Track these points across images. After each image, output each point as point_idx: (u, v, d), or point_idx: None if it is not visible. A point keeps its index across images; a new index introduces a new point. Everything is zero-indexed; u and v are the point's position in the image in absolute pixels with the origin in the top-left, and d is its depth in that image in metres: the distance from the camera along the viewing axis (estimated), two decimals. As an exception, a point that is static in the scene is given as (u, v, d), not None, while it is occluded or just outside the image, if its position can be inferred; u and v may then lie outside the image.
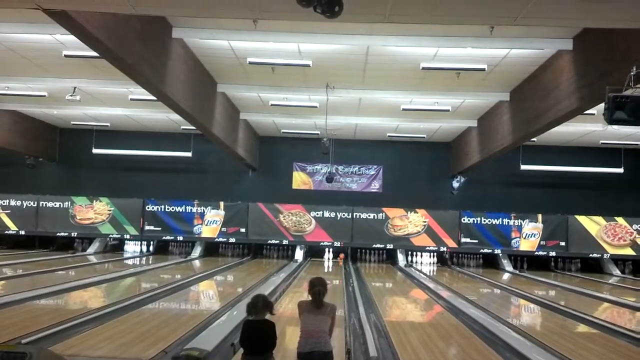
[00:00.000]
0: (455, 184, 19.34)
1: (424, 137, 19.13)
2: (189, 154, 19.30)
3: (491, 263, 19.11)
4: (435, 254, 19.56)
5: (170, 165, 19.98)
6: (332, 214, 19.40)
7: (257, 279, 13.17)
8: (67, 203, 19.37)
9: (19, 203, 19.39)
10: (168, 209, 19.38)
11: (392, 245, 19.24)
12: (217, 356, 5.57)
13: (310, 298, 4.87)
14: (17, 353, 2.38)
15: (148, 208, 19.36)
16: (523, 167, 18.78)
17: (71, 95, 13.03)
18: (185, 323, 7.41)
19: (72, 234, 19.29)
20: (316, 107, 14.72)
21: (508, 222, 19.10)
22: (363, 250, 19.78)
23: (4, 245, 19.33)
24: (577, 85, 9.87)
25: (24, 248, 18.89)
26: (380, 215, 19.35)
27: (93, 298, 10.13)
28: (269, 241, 19.32)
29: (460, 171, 18.89)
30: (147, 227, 19.29)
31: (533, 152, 18.59)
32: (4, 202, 19.39)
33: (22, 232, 19.31)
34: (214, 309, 8.92)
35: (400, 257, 18.96)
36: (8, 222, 19.30)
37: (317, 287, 5.03)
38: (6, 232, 19.29)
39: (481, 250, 19.20)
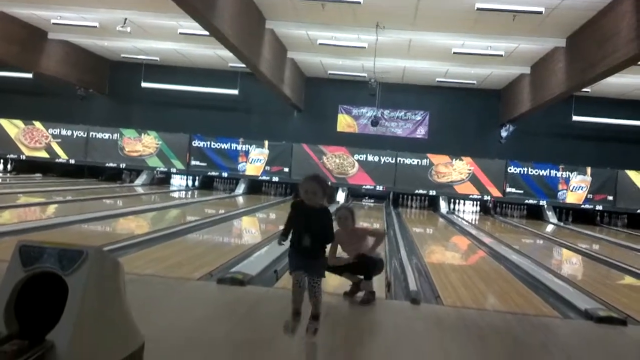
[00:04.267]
0: (504, 133, 18.99)
1: (473, 84, 18.72)
2: (235, 92, 19.36)
3: (535, 214, 18.87)
4: (478, 202, 19.41)
5: (217, 102, 20.09)
6: (376, 158, 19.33)
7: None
8: (116, 135, 19.75)
9: (69, 133, 19.87)
10: (214, 145, 19.59)
11: (434, 192, 19.14)
12: (260, 282, 5.68)
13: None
14: (75, 250, 2.45)
15: (194, 143, 19.62)
16: (575, 118, 18.27)
17: (122, 27, 13.11)
18: (229, 252, 7.57)
19: (121, 165, 19.74)
20: (365, 47, 14.49)
21: (556, 174, 18.74)
22: (405, 196, 19.73)
23: (54, 173, 19.92)
24: (637, 32, 9.44)
25: (73, 177, 19.42)
26: (424, 162, 19.20)
27: (139, 225, 10.40)
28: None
29: (509, 120, 18.50)
30: (193, 162, 19.60)
31: (586, 104, 18.04)
32: (55, 132, 19.89)
33: (72, 162, 19.84)
34: (256, 242, 9.07)
35: (443, 205, 18.87)
36: (59, 150, 19.83)
37: (343, 211, 5.04)
38: (57, 160, 19.85)
39: (526, 201, 18.95)
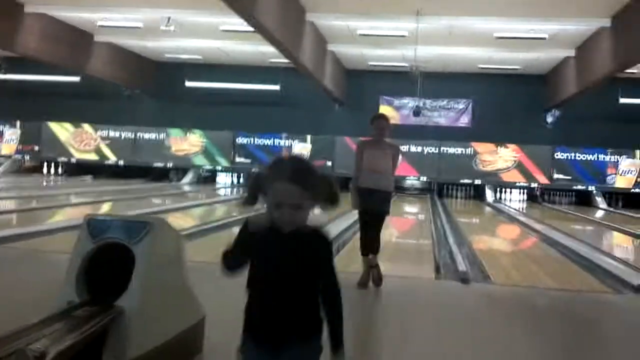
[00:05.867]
0: (550, 119, 18.66)
1: (517, 69, 18.42)
2: (277, 87, 19.50)
3: (584, 200, 18.45)
4: (525, 190, 19.09)
5: (259, 98, 20.25)
6: (419, 149, 19.22)
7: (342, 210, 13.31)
8: (162, 134, 20.14)
9: (117, 134, 20.34)
10: (257, 141, 19.79)
11: (480, 180, 18.92)
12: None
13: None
14: (140, 222, 2.54)
15: (238, 141, 19.85)
16: (622, 100, 17.82)
17: (166, 26, 13.34)
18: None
19: (168, 164, 20.11)
20: (405, 35, 14.42)
21: (604, 158, 18.32)
22: (450, 186, 19.56)
23: (103, 175, 20.39)
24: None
25: (122, 177, 19.85)
26: (468, 150, 19.00)
27: (187, 220, 10.61)
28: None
29: (555, 105, 18.16)
30: (237, 159, 19.83)
31: (632, 85, 17.57)
32: (103, 134, 20.39)
33: (121, 162, 20.29)
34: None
35: (489, 193, 18.63)
36: (108, 152, 20.32)
37: (380, 120, 5.00)
38: (106, 162, 20.34)
39: (574, 187, 18.58)
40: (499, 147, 18.80)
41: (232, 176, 20.65)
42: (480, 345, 3.69)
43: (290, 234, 1.83)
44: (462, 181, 19.09)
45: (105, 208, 11.69)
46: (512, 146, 18.73)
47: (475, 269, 6.56)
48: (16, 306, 3.49)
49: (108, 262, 2.52)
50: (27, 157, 20.66)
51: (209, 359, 2.93)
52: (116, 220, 2.60)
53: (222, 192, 18.28)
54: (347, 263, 5.81)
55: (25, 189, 14.62)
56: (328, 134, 19.65)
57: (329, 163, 19.36)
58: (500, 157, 18.82)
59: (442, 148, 19.13)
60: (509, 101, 19.44)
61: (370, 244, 5.05)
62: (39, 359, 1.82)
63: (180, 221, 10.35)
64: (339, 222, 9.04)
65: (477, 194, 19.15)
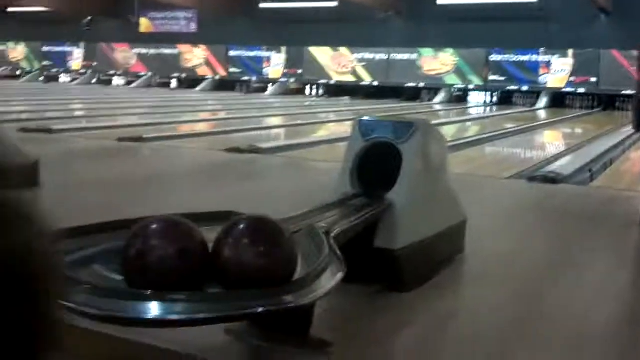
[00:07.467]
0: None
1: None
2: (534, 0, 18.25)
3: None
4: None
5: (514, 12, 19.13)
6: None
7: (604, 130, 12.28)
8: (414, 55, 20.27)
9: (371, 56, 20.98)
10: (512, 58, 18.91)
11: None
12: (573, 181, 5.50)
13: None
14: (407, 122, 2.68)
15: (492, 58, 19.16)
16: None
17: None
18: (536, 157, 7.43)
19: (419, 84, 20.28)
20: None
21: None
22: None
23: (360, 95, 21.29)
24: None
25: (376, 98, 20.54)
26: None
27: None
28: (623, 92, 17.56)
29: None
30: (491, 77, 19.23)
31: None
32: (359, 56, 21.18)
33: (375, 84, 20.98)
34: (562, 150, 8.71)
35: None
36: (363, 74, 21.12)
37: None
38: (361, 83, 21.20)
39: None
40: None
41: (484, 95, 20.12)
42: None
43: None
44: None
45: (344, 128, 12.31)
46: None
47: None
48: (289, 200, 3.91)
49: (378, 160, 2.70)
50: (291, 80, 22.41)
51: (470, 257, 3.03)
52: (385, 121, 2.76)
53: (474, 110, 17.99)
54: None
55: (290, 108, 16.04)
56: (593, 48, 17.94)
57: (593, 79, 17.78)
58: None
59: None
60: None
61: None
62: (326, 235, 2.05)
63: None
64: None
65: None
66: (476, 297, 2.63)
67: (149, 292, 1.47)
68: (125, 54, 25.49)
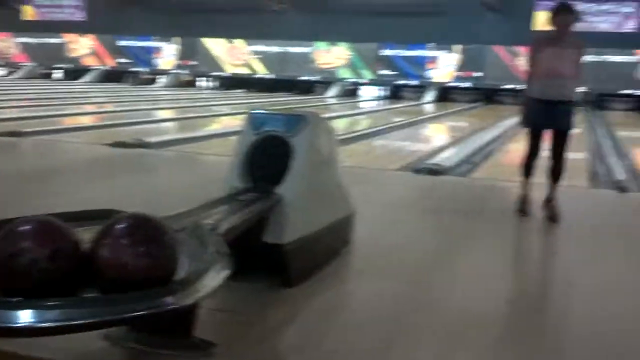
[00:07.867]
0: None
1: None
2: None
3: None
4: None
5: (405, 8, 19.64)
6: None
7: (487, 123, 12.93)
8: (308, 48, 20.38)
9: (266, 49, 20.89)
10: (402, 53, 19.44)
11: (645, 91, 17.38)
12: (456, 172, 5.74)
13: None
14: (297, 115, 2.69)
15: (382, 52, 19.61)
16: None
17: None
18: (422, 149, 7.68)
19: (313, 77, 20.41)
20: None
21: None
22: (609, 98, 18.12)
23: (254, 88, 21.11)
24: None
25: (270, 91, 20.46)
26: (632, 58, 17.41)
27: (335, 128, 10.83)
28: (505, 86, 18.46)
29: None
30: (381, 72, 19.67)
31: None
32: (253, 48, 21.03)
33: (270, 76, 20.92)
34: (446, 143, 9.06)
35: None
36: (258, 66, 21.00)
37: (567, 16, 3.97)
38: (256, 76, 21.07)
39: None
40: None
41: (376, 89, 20.53)
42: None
43: None
44: (622, 92, 17.63)
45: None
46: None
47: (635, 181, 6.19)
48: (178, 196, 3.82)
49: (269, 154, 2.68)
50: (184, 72, 21.89)
51: (357, 249, 3.09)
52: (276, 114, 2.76)
53: (365, 104, 18.33)
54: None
55: (181, 101, 15.68)
56: (478, 44, 18.75)
57: (479, 74, 18.59)
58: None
59: (602, 56, 17.60)
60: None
61: (552, 170, 4.12)
62: (212, 232, 2.00)
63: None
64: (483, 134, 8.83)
65: (640, 106, 17.64)
66: (361, 289, 2.70)
67: (17, 298, 1.39)
68: (5, 43, 23.95)
